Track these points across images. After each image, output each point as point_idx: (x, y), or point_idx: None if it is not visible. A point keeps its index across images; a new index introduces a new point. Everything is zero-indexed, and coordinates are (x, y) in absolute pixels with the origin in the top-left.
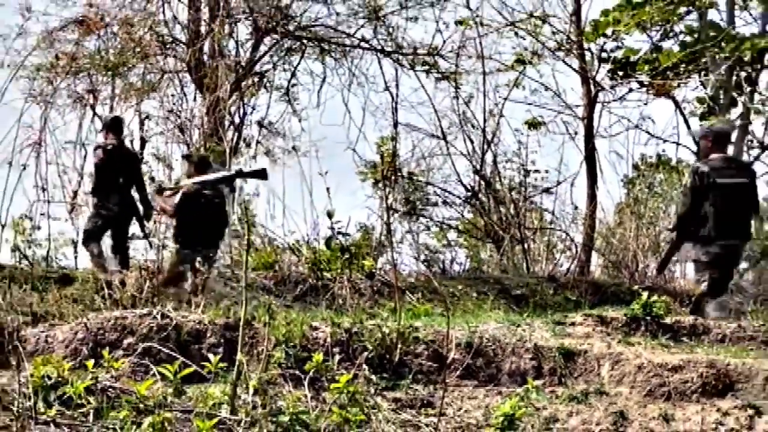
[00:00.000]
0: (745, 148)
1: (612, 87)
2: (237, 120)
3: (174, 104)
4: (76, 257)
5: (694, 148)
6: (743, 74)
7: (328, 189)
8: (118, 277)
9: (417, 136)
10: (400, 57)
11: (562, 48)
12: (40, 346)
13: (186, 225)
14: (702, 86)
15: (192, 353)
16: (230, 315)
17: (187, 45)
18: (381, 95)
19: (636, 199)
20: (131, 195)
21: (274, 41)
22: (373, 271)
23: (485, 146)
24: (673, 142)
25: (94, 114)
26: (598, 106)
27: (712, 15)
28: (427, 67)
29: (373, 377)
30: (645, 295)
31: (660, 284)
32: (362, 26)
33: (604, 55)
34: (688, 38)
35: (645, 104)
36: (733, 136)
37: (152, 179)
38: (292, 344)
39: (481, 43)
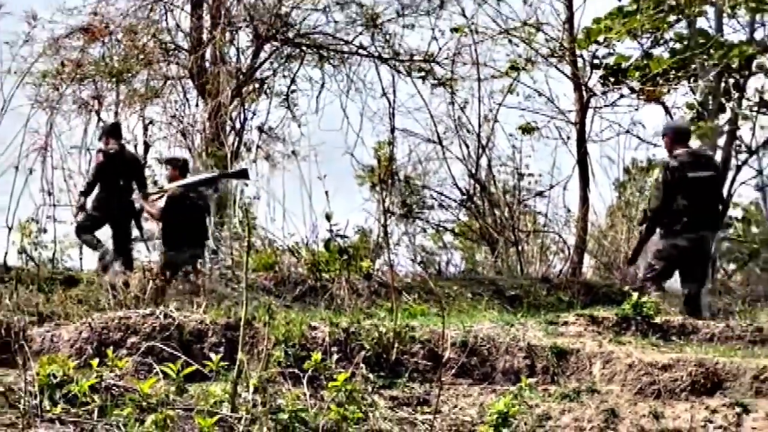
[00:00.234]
0: (733, 153)
1: (604, 93)
2: (238, 125)
3: (177, 110)
4: (81, 259)
5: None
6: (731, 80)
7: (326, 192)
8: (122, 278)
9: (413, 140)
10: (397, 64)
11: (555, 55)
12: (46, 346)
13: (172, 227)
14: (691, 92)
15: (194, 352)
16: (231, 315)
17: (189, 52)
18: (378, 101)
19: (627, 203)
20: (131, 198)
21: (274, 48)
22: (371, 272)
23: (480, 151)
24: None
25: (99, 119)
26: (590, 112)
27: (701, 23)
28: (423, 74)
29: (371, 376)
30: (635, 295)
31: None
32: (360, 34)
33: (596, 61)
34: (678, 45)
35: (636, 110)
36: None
37: (155, 183)
38: (291, 344)
39: (476, 50)
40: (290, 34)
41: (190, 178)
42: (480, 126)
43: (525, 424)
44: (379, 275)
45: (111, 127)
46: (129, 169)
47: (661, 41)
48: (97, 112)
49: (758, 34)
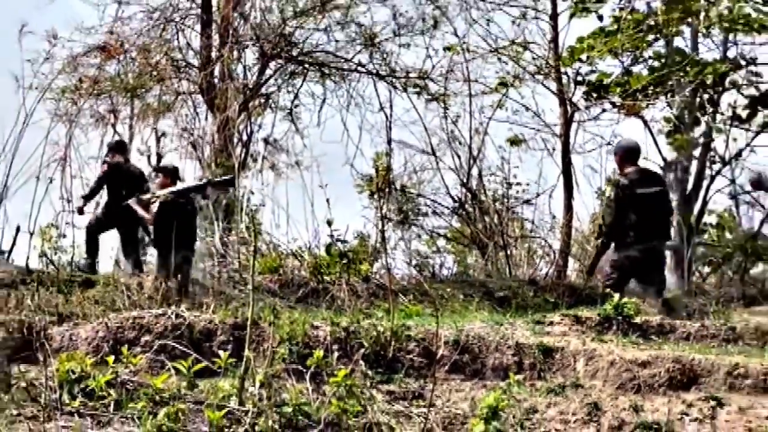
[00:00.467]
0: (708, 163)
1: (587, 107)
2: (245, 137)
3: (187, 123)
4: (97, 263)
5: (662, 163)
6: (706, 96)
7: (327, 200)
8: (136, 280)
9: (409, 152)
10: (394, 80)
11: (542, 72)
12: (65, 344)
13: (164, 231)
14: (668, 107)
15: (204, 350)
16: (238, 315)
17: (199, 69)
18: (376, 115)
19: None
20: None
21: (279, 66)
22: (369, 275)
23: (471, 161)
24: (642, 158)
25: (115, 132)
26: (574, 125)
27: (678, 42)
28: (418, 90)
29: (369, 372)
30: (617, 297)
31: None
32: (359, 52)
33: (579, 78)
34: (656, 63)
35: (617, 123)
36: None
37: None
38: (294, 342)
39: (467, 67)
40: (294, 53)
41: (180, 185)
42: (471, 138)
43: (513, 417)
44: (377, 278)
45: (116, 144)
46: (131, 181)
47: (641, 59)
48: (113, 126)
49: (731, 53)
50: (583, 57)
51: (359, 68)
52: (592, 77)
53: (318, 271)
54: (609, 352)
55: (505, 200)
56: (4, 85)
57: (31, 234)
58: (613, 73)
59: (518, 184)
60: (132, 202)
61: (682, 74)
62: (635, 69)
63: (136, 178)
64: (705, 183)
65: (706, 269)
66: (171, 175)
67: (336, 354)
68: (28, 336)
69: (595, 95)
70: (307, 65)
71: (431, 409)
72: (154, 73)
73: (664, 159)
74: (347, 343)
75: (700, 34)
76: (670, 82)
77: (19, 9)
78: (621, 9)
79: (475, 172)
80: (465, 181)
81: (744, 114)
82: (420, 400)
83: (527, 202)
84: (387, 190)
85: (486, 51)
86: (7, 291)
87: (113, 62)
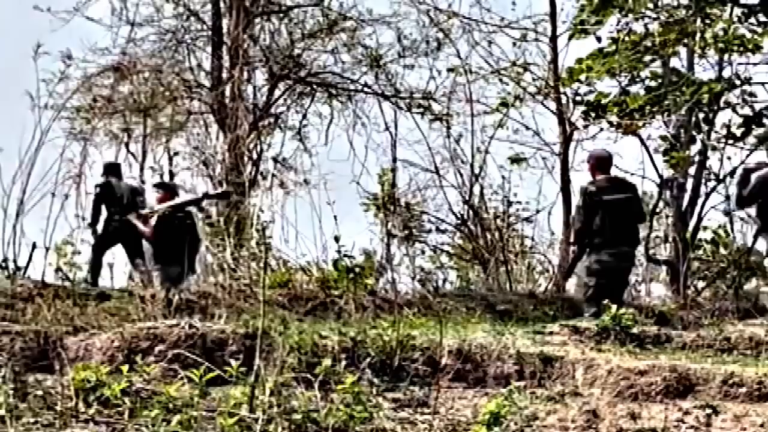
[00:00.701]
0: (703, 180)
1: (585, 126)
2: (255, 156)
3: (199, 142)
4: (111, 278)
5: (658, 180)
6: (701, 115)
7: (335, 217)
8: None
9: (413, 170)
10: (399, 100)
11: (541, 92)
12: (81, 354)
13: (163, 245)
14: (665, 125)
15: (216, 359)
16: (249, 326)
17: (210, 89)
18: (381, 134)
19: None
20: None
21: (288, 86)
22: (375, 289)
23: (473, 179)
24: (639, 176)
25: (128, 150)
26: (572, 144)
27: (674, 62)
28: (422, 110)
29: (375, 380)
30: (614, 308)
31: (627, 300)
32: (365, 73)
33: (578, 98)
34: (653, 83)
35: (614, 142)
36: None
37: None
38: (303, 351)
39: (469, 88)
40: (302, 74)
41: (177, 200)
42: (473, 157)
43: (514, 423)
44: (383, 292)
45: (107, 165)
46: (125, 197)
47: (638, 79)
48: (126, 144)
49: (726, 73)
50: (582, 78)
51: (365, 89)
52: (591, 97)
53: (326, 285)
54: (607, 361)
55: (506, 217)
56: (21, 104)
57: (47, 249)
58: (611, 93)
59: (518, 201)
60: (132, 217)
61: (678, 94)
62: (632, 89)
63: (130, 193)
64: (700, 200)
65: (701, 284)
66: (169, 190)
67: (343, 363)
68: (44, 346)
69: (593, 115)
70: (314, 86)
71: (435, 415)
72: (167, 93)
73: (661, 176)
74: (354, 353)
75: (695, 55)
76: (666, 102)
77: (34, 31)
78: (619, 31)
79: (477, 189)
80: (467, 198)
81: (738, 132)
82: (424, 407)
83: (527, 219)
84: (392, 207)
85: (488, 72)
86: (24, 304)
87: (126, 82)
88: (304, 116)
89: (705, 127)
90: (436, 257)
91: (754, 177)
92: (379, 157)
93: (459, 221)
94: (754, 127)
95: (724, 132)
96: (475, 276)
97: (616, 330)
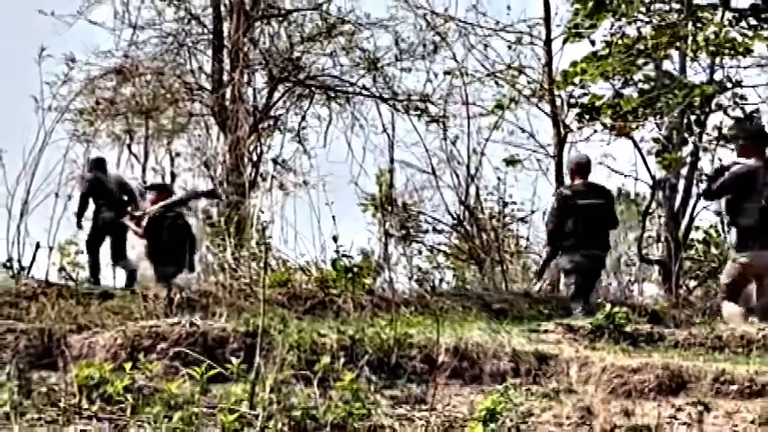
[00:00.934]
0: (694, 181)
1: (579, 128)
2: (255, 157)
3: (200, 143)
4: (114, 278)
5: (651, 181)
6: (693, 117)
7: (333, 217)
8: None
9: (410, 171)
10: (396, 103)
11: (536, 95)
12: (84, 351)
13: (155, 244)
14: (657, 128)
15: (216, 357)
16: (249, 325)
17: (211, 92)
18: (379, 136)
19: None
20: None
21: (287, 89)
22: (373, 288)
23: (469, 181)
24: (632, 177)
25: (130, 151)
26: (567, 146)
27: (667, 65)
28: (419, 112)
29: (373, 377)
30: (608, 307)
31: (621, 299)
32: (363, 76)
33: (572, 101)
34: (646, 86)
35: (608, 144)
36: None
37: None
38: (302, 349)
39: (465, 90)
40: (301, 76)
41: (167, 200)
42: (469, 159)
43: (510, 420)
44: (381, 291)
45: (93, 161)
46: (113, 190)
47: (631, 82)
48: (129, 146)
49: (717, 76)
50: (576, 80)
51: (363, 91)
52: (585, 100)
53: (324, 284)
54: (601, 359)
55: (502, 218)
56: (25, 106)
57: (51, 249)
58: (605, 95)
59: (513, 202)
60: (125, 219)
61: (670, 96)
62: (626, 91)
63: (118, 186)
64: (692, 200)
65: (693, 283)
66: (163, 191)
67: (342, 360)
68: (48, 344)
69: (587, 117)
70: (313, 89)
71: (432, 412)
72: (168, 95)
73: (653, 177)
74: (352, 351)
75: (687, 58)
76: (659, 104)
77: (38, 34)
78: (612, 34)
79: (473, 190)
80: (463, 199)
81: (730, 134)
82: (422, 404)
83: (522, 219)
84: (390, 207)
85: (483, 75)
86: (28, 302)
87: (129, 85)
88: (303, 118)
89: (697, 129)
90: (433, 257)
91: (726, 173)
92: (376, 159)
93: (455, 221)
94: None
95: (715, 134)
96: (471, 275)
97: (609, 328)
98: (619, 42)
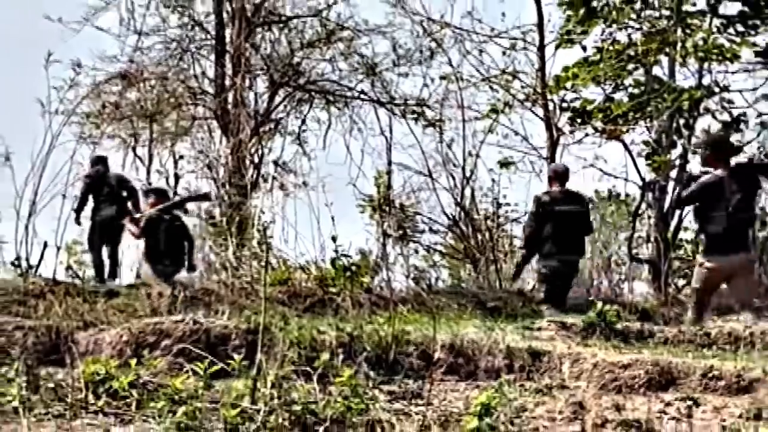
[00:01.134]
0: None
1: (571, 132)
2: (256, 159)
3: (203, 146)
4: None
5: (641, 183)
6: (682, 121)
7: (332, 218)
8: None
9: (407, 173)
10: (393, 107)
11: (530, 99)
12: (90, 348)
13: (152, 245)
14: (647, 131)
15: (219, 353)
16: (251, 322)
17: (213, 96)
18: (377, 139)
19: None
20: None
21: (287, 93)
22: (371, 286)
23: (465, 182)
24: (623, 179)
25: (135, 154)
26: (559, 148)
27: (656, 70)
28: (415, 116)
29: (371, 373)
30: (599, 305)
31: (612, 297)
32: (361, 81)
33: (564, 105)
34: (636, 90)
35: (599, 146)
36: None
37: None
38: (303, 346)
39: (461, 95)
40: (301, 81)
41: (163, 204)
42: (464, 161)
43: (504, 414)
44: (379, 289)
45: (94, 158)
46: (113, 186)
47: (621, 87)
48: (134, 148)
49: (706, 80)
50: (568, 85)
51: (361, 96)
52: (577, 104)
53: (324, 283)
54: (593, 355)
55: (496, 218)
56: (33, 110)
57: (58, 248)
58: (596, 99)
59: (507, 203)
60: (126, 221)
61: (660, 101)
62: (616, 96)
63: (117, 183)
64: None
65: (682, 281)
66: (162, 195)
67: (341, 357)
68: (56, 341)
69: (579, 120)
70: (313, 93)
71: (429, 407)
72: (172, 99)
73: (643, 179)
74: (351, 347)
75: (677, 64)
76: (648, 108)
77: (45, 40)
78: (603, 40)
79: (468, 192)
80: (459, 200)
81: (694, 145)
82: (418, 399)
83: (516, 220)
84: (387, 208)
85: (478, 80)
86: (36, 300)
87: (134, 89)
88: (303, 122)
89: (685, 133)
90: (430, 256)
91: (694, 183)
92: (374, 161)
93: (451, 222)
94: (732, 132)
95: (703, 137)
96: (467, 274)
97: (601, 326)
98: (610, 48)
